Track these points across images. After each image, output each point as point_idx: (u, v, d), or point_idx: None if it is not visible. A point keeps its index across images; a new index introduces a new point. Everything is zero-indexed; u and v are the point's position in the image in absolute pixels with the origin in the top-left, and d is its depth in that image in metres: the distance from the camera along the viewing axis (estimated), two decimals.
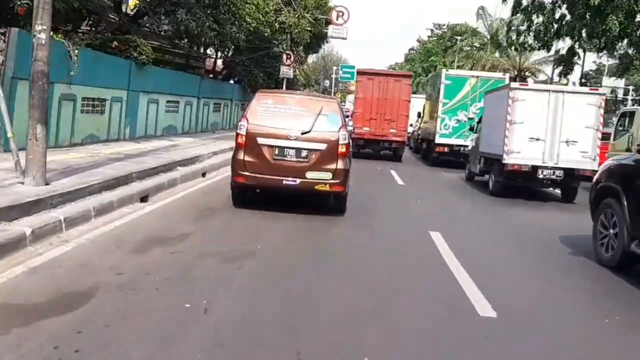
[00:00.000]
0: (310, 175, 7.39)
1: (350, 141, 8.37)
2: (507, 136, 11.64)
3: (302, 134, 7.41)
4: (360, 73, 19.67)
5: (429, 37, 71.41)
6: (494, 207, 10.62)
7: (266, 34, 25.35)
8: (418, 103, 22.98)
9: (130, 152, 11.64)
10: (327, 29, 27.83)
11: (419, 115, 22.80)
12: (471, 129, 15.50)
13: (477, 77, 17.26)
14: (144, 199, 8.04)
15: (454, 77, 17.19)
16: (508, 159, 11.58)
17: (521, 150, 11.61)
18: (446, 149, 17.29)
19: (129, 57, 14.16)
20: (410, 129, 22.08)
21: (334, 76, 66.61)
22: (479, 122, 14.81)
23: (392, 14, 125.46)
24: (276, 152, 7.45)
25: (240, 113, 27.57)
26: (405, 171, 15.50)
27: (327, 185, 7.43)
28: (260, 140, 7.43)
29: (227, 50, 22.60)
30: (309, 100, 8.16)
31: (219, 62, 27.52)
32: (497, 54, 48.98)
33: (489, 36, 51.91)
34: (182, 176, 9.92)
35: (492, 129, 12.90)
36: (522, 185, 12.19)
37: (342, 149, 7.48)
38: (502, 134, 11.73)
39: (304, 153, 7.42)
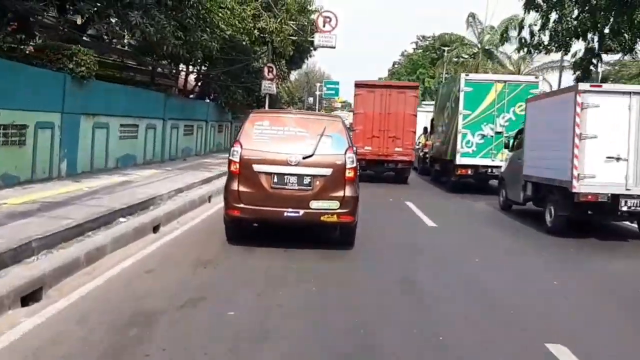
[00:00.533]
0: (314, 204, 6.61)
1: (358, 164, 7.34)
2: (576, 155, 8.48)
3: (303, 158, 6.65)
4: (360, 85, 16.78)
5: (414, 49, 69.28)
6: (580, 260, 7.43)
7: (244, 43, 22.16)
8: (423, 118, 19.82)
9: (53, 199, 8.22)
10: (312, 38, 24.70)
11: (425, 130, 19.66)
12: (506, 146, 12.34)
13: (505, 81, 14.04)
14: (34, 295, 4.63)
15: (476, 82, 13.99)
16: (579, 187, 8.43)
17: (596, 174, 8.47)
18: (469, 171, 14.06)
19: (62, 69, 10.79)
20: None
21: (317, 93, 64.25)
22: (517, 136, 11.67)
23: (375, 28, 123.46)
24: (275, 179, 6.67)
25: (217, 136, 24.26)
26: (423, 202, 12.22)
27: (335, 216, 6.65)
28: (256, 167, 6.67)
29: (198, 62, 19.19)
30: (309, 120, 7.36)
31: (192, 77, 24.17)
32: (489, 63, 46.42)
33: (479, 45, 49.61)
34: (116, 239, 6.46)
35: (545, 145, 9.75)
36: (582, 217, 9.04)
37: (349, 174, 6.71)
38: (569, 152, 8.58)
39: (306, 180, 6.66)
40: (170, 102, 17.36)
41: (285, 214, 6.57)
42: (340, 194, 6.62)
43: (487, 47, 48.99)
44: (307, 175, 6.62)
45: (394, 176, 16.86)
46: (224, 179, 7.64)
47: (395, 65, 75.32)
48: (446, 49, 52.80)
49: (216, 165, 16.39)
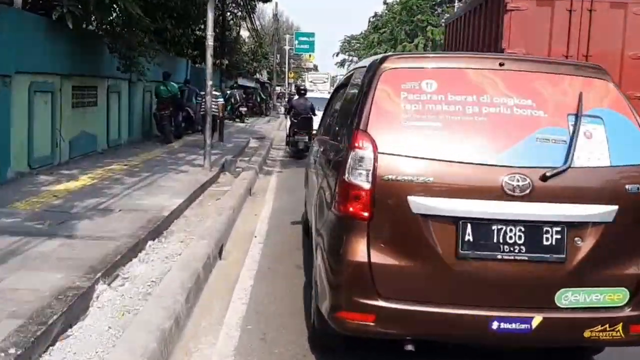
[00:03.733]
0: (569, 298, 2.52)
1: None
2: None
3: (543, 179, 2.48)
4: None
5: None
6: None
7: None
8: None
9: None
10: None
11: None
12: None
13: None
14: None
15: None
16: None
17: None
18: None
19: None
20: None
21: (287, 48, 49.87)
22: None
23: None
24: (468, 236, 2.47)
25: (74, 116, 8.67)
26: None
27: (619, 327, 2.52)
28: (416, 203, 2.48)
29: None
30: (537, 75, 2.74)
31: None
32: None
33: None
34: None
35: None
36: None
37: None
38: None
39: (551, 236, 2.49)
40: None
41: (495, 324, 2.47)
42: (633, 268, 2.55)
43: None
44: (554, 224, 2.48)
45: None
46: None
47: (376, 18, 59.79)
48: None
49: None
